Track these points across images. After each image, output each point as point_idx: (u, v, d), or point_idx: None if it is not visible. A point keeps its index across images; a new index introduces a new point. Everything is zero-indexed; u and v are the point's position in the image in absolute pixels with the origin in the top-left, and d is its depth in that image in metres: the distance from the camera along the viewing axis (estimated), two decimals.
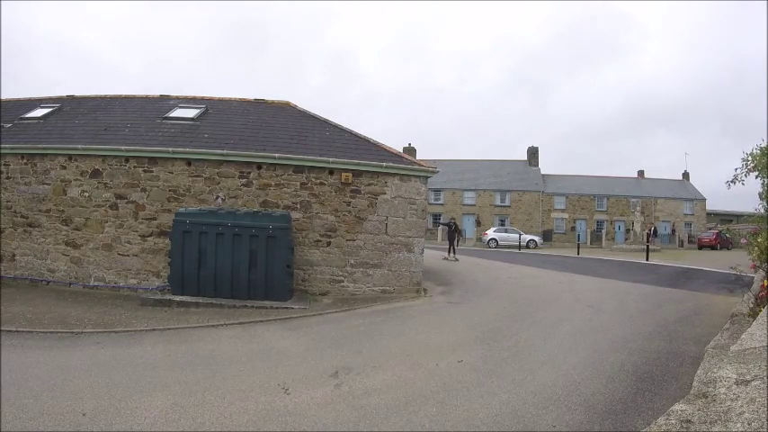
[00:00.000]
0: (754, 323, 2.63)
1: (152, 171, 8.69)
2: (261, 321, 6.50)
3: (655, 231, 31.00)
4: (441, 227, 17.85)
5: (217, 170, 8.64)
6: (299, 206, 8.56)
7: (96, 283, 8.61)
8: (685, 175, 41.87)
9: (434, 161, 30.31)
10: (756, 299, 4.63)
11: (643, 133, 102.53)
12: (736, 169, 5.42)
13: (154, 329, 5.95)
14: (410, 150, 34.56)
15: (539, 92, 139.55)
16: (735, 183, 5.45)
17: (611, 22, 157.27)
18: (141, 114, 10.44)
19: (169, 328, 6.02)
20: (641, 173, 42.43)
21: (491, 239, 28.31)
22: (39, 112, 10.52)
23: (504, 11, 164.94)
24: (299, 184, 8.61)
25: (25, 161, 9.06)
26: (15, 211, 9.01)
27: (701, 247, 29.50)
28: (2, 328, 5.54)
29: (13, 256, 8.96)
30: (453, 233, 16.17)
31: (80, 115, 10.48)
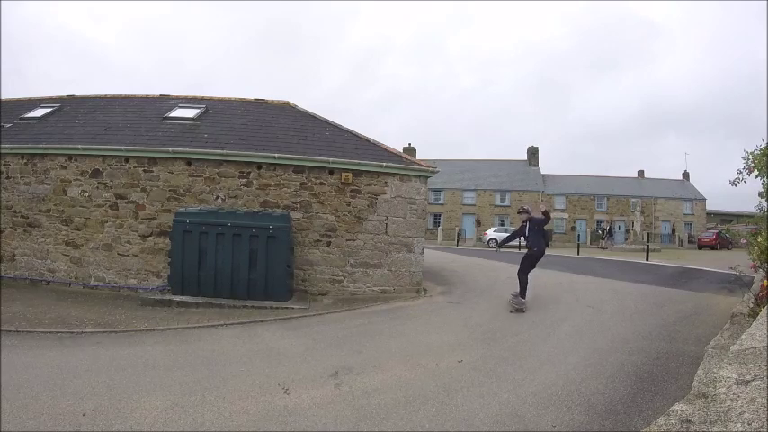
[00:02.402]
0: (754, 323, 2.62)
1: (152, 171, 8.69)
2: (261, 321, 6.50)
3: (610, 231, 30.53)
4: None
5: (217, 170, 8.64)
6: (299, 206, 8.56)
7: (96, 283, 8.61)
8: (685, 174, 41.88)
9: (434, 161, 30.29)
10: (756, 299, 4.64)
11: (655, 136, 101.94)
12: (738, 171, 5.42)
13: (154, 329, 5.95)
14: (410, 150, 34.58)
15: (559, 96, 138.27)
16: (738, 183, 5.45)
17: (634, 27, 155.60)
18: (141, 114, 10.44)
19: (169, 328, 6.01)
20: (641, 173, 42.42)
21: (491, 239, 28.29)
22: (39, 112, 10.52)
23: (530, 16, 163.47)
24: (299, 184, 8.61)
25: (25, 161, 9.06)
26: (15, 211, 9.01)
27: (700, 247, 29.50)
28: (2, 328, 5.53)
29: (13, 256, 8.96)
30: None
31: (80, 115, 10.48)
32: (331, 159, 8.58)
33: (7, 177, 9.09)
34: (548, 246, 8.17)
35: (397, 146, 35.76)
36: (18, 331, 5.61)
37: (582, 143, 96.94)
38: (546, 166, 41.16)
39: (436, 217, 37.59)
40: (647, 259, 17.07)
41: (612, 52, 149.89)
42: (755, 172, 5.20)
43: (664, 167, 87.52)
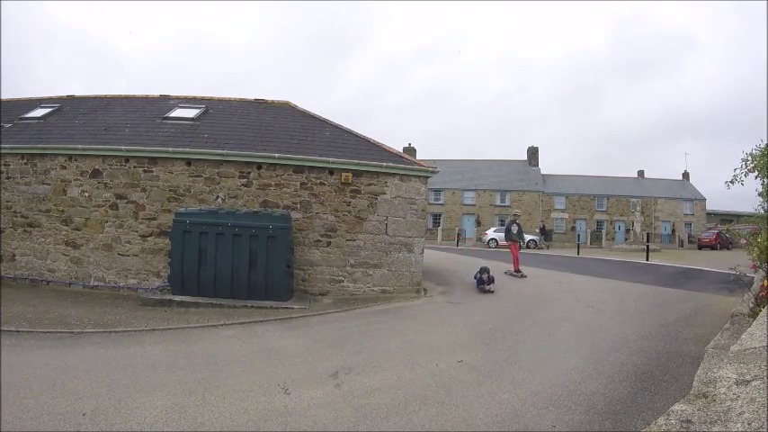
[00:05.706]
0: (754, 323, 2.62)
1: (152, 171, 8.69)
2: (261, 321, 6.50)
3: (542, 231, 30.08)
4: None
5: (217, 170, 8.65)
6: (299, 206, 8.56)
7: (96, 283, 8.61)
8: (685, 174, 41.87)
9: (434, 161, 30.28)
10: (756, 299, 4.63)
11: (673, 141, 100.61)
12: (735, 170, 5.40)
13: (154, 329, 5.95)
14: (410, 150, 34.55)
15: (588, 102, 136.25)
16: (734, 183, 5.42)
17: (672, 38, 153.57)
18: (141, 114, 10.44)
19: (169, 329, 6.01)
20: (641, 173, 42.40)
21: (491, 239, 28.29)
22: (39, 112, 10.52)
23: (571, 24, 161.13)
24: (299, 184, 8.61)
25: (25, 161, 9.06)
26: (15, 211, 9.01)
27: (700, 247, 29.49)
28: (2, 328, 5.53)
29: (13, 256, 8.96)
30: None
31: (80, 115, 10.48)
32: (331, 159, 8.58)
33: (7, 177, 9.10)
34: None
35: (416, 146, 35.67)
36: (18, 331, 5.62)
37: (603, 147, 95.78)
38: (559, 168, 40.77)
39: (436, 217, 37.57)
40: (647, 259, 17.07)
41: (647, 61, 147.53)
42: (755, 172, 5.17)
43: (673, 169, 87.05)
